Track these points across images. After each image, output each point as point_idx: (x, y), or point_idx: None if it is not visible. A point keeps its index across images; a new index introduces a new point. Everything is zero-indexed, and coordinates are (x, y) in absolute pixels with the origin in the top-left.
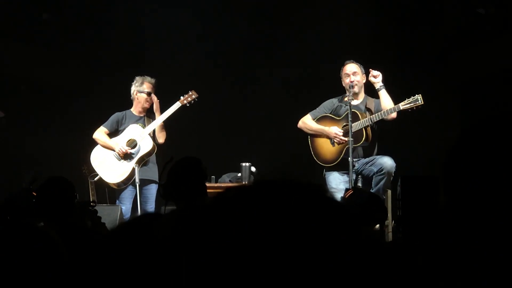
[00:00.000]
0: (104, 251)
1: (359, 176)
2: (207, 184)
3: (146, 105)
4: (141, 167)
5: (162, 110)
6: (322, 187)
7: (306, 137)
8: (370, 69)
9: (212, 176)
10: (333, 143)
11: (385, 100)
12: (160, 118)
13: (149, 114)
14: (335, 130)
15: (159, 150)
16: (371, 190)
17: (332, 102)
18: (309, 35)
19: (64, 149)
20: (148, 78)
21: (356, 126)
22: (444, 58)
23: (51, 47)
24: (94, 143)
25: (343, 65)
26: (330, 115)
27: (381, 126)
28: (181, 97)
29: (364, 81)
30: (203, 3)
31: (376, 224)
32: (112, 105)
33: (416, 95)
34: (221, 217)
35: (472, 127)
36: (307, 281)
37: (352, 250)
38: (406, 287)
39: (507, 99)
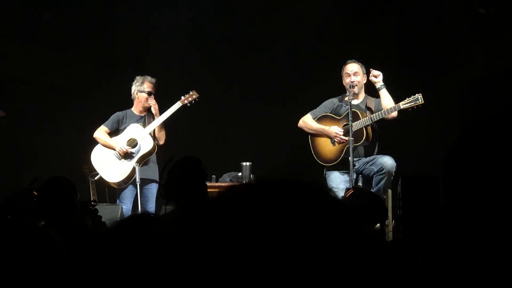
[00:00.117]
0: (104, 251)
1: (360, 175)
2: (208, 184)
3: (147, 105)
4: (141, 166)
5: (162, 110)
6: (324, 186)
7: (307, 137)
8: (371, 69)
9: (213, 176)
10: (333, 143)
11: (386, 100)
12: (161, 118)
13: (149, 114)
14: (336, 129)
15: (159, 150)
16: (371, 190)
17: (332, 102)
18: (310, 35)
19: (64, 149)
20: (149, 78)
21: (356, 125)
22: (444, 58)
23: (51, 47)
24: (94, 143)
25: (344, 64)
26: (331, 114)
27: (382, 126)
28: (182, 97)
29: (364, 81)
30: (203, 3)
31: (377, 224)
32: (113, 104)
33: (417, 94)
34: (221, 217)
35: (472, 127)
36: (307, 281)
37: (353, 250)
38: (406, 287)
39: (507, 99)
